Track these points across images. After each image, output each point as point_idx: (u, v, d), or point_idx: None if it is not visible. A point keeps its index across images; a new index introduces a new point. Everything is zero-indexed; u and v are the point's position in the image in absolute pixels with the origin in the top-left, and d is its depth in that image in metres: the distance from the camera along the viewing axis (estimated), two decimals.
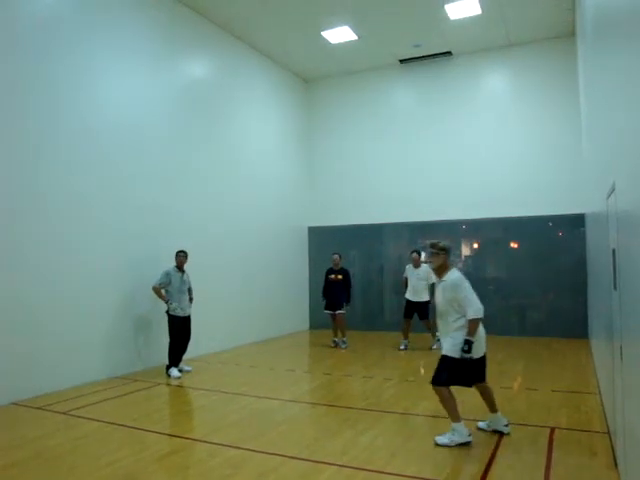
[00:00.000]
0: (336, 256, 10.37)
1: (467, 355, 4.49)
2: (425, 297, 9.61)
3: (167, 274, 7.64)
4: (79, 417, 5.60)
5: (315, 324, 12.85)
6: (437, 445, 4.53)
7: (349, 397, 6.72)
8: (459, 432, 4.55)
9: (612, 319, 4.03)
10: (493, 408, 4.86)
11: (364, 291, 12.55)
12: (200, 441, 4.82)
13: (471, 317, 4.49)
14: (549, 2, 9.50)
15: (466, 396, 5.26)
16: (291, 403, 6.21)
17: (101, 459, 4.39)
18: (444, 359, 4.65)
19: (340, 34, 10.67)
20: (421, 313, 9.68)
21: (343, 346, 10.09)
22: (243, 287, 10.53)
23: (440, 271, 4.83)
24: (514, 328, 11.07)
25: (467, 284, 4.61)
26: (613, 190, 3.60)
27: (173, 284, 7.63)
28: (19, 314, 6.32)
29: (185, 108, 9.31)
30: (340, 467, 4.13)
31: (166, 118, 8.87)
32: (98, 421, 5.44)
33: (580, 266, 10.25)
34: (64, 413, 5.75)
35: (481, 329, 4.64)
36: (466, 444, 4.53)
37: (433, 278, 9.43)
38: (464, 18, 10.01)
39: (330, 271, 10.39)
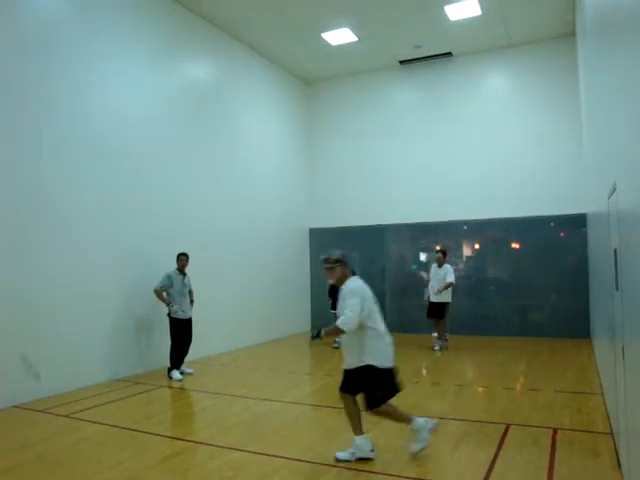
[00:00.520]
0: None
1: (316, 338, 4.36)
2: (444, 298, 9.66)
3: (169, 277, 7.64)
4: (81, 420, 5.59)
5: (317, 326, 12.82)
6: (338, 460, 4.26)
7: None
8: (361, 447, 4.29)
9: (614, 319, 4.02)
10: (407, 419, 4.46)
11: None
12: (202, 443, 4.82)
13: (338, 324, 4.23)
14: (549, 2, 9.50)
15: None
16: (293, 405, 6.20)
17: (103, 462, 4.39)
18: (370, 375, 4.23)
19: (340, 36, 10.67)
20: (438, 313, 9.73)
21: (335, 344, 10.17)
22: (244, 289, 10.53)
23: (340, 282, 4.51)
24: (516, 328, 11.05)
25: (357, 299, 4.23)
26: (614, 190, 3.59)
27: (175, 287, 7.64)
28: (20, 317, 6.31)
29: (185, 110, 9.32)
30: (342, 469, 4.13)
31: (166, 120, 8.87)
32: (100, 424, 5.43)
33: (582, 266, 10.22)
34: (66, 416, 5.75)
35: (390, 341, 4.40)
36: (368, 459, 4.25)
37: (452, 277, 9.52)
38: (464, 19, 10.00)
39: None
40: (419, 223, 12.02)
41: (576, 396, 6.23)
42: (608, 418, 5.12)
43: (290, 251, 12.45)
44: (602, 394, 6.08)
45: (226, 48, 10.49)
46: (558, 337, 10.39)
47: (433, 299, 9.75)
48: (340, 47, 11.19)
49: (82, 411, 5.91)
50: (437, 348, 9.55)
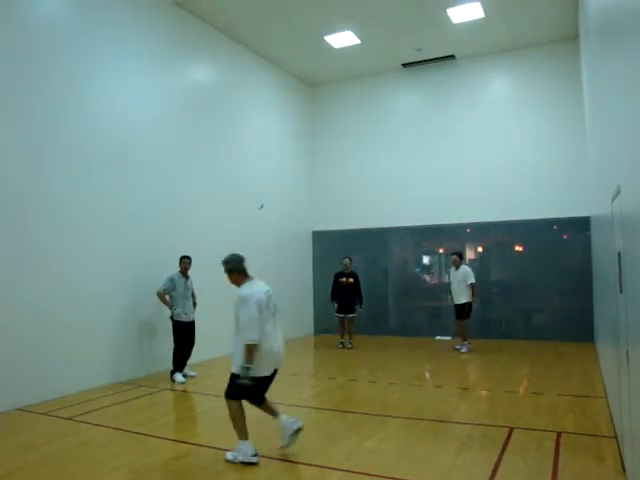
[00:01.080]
0: (347, 260, 10.63)
1: (243, 381, 4.24)
2: (463, 299, 9.74)
3: (171, 279, 7.65)
4: (84, 422, 5.60)
5: (320, 328, 12.83)
6: (227, 461, 4.34)
7: (354, 402, 6.71)
8: (243, 451, 4.32)
9: (618, 322, 4.01)
10: (275, 414, 4.57)
11: (368, 295, 12.48)
12: (205, 446, 4.82)
13: (246, 344, 4.27)
14: (552, 5, 9.50)
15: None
16: (296, 408, 6.19)
17: (106, 464, 4.39)
18: (232, 374, 4.41)
19: (343, 38, 10.69)
20: (458, 314, 9.84)
21: (349, 346, 10.40)
22: None
23: (238, 284, 4.64)
24: (519, 332, 11.02)
25: (249, 306, 4.31)
26: (618, 193, 3.58)
27: (177, 289, 7.65)
28: (23, 320, 6.33)
29: (187, 112, 9.34)
30: (345, 472, 4.11)
31: (168, 122, 8.90)
32: (103, 426, 5.44)
33: (585, 269, 10.19)
34: (69, 418, 5.75)
35: (271, 346, 4.46)
36: (251, 464, 4.27)
37: (472, 278, 9.55)
38: (467, 22, 10.00)
39: (340, 274, 10.61)
40: (422, 226, 12.01)
41: (580, 399, 6.20)
42: (612, 422, 5.10)
43: (293, 254, 12.45)
44: (606, 397, 6.05)
45: (228, 51, 10.52)
46: (561, 340, 10.35)
47: (455, 301, 9.90)
48: (343, 50, 11.20)
49: (85, 414, 5.91)
50: (464, 350, 9.59)
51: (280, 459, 4.42)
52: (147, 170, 8.36)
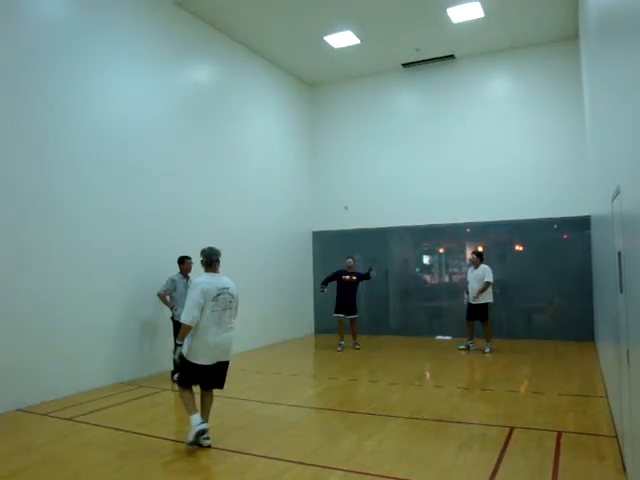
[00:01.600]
0: (350, 260, 10.53)
1: (174, 356, 4.92)
2: (484, 299, 9.61)
3: (172, 280, 7.66)
4: (85, 423, 5.60)
5: (320, 329, 12.83)
6: (189, 444, 4.66)
7: (354, 402, 6.71)
8: (192, 424, 4.67)
9: (618, 322, 4.01)
10: (205, 416, 4.90)
11: (369, 295, 12.53)
12: (205, 447, 4.81)
13: (181, 321, 4.82)
14: (552, 5, 9.50)
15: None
16: (296, 408, 6.20)
17: (107, 465, 4.39)
18: (182, 359, 4.87)
19: (343, 38, 10.69)
20: (481, 315, 9.66)
21: (357, 347, 10.32)
22: (247, 292, 10.41)
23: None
24: (519, 331, 11.03)
25: (198, 291, 4.72)
26: (618, 192, 3.59)
27: (178, 290, 7.65)
28: (23, 320, 6.33)
29: (187, 113, 9.35)
30: (346, 472, 4.12)
31: (168, 122, 8.90)
32: (104, 427, 5.44)
33: (586, 269, 10.19)
34: (70, 419, 5.76)
35: (207, 339, 4.74)
36: (201, 432, 4.64)
37: (490, 277, 9.48)
38: (467, 21, 10.00)
39: (344, 272, 10.47)
40: (422, 225, 12.02)
41: (580, 399, 6.21)
42: (613, 421, 5.10)
43: (293, 254, 12.45)
44: (606, 397, 6.05)
45: (228, 51, 10.52)
46: (562, 340, 10.35)
47: (472, 301, 9.72)
48: (342, 50, 11.20)
49: (86, 414, 5.92)
50: (487, 351, 9.45)
51: (280, 459, 4.42)
52: (147, 170, 8.36)
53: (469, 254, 11.64)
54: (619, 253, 3.70)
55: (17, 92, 6.47)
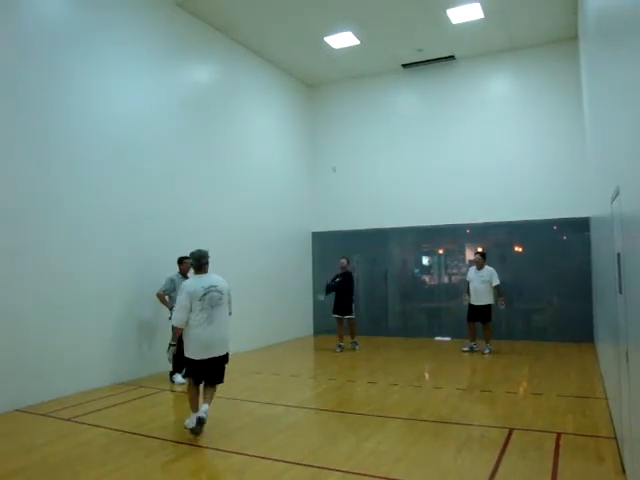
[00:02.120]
0: (343, 260, 10.45)
1: (167, 354, 5.31)
2: (487, 300, 9.54)
3: (171, 280, 7.65)
4: (84, 423, 5.60)
5: (319, 329, 12.83)
6: (185, 428, 5.10)
7: (353, 403, 6.71)
8: (190, 420, 5.08)
9: (618, 323, 4.01)
10: (208, 401, 5.23)
11: (369, 296, 12.53)
12: (205, 447, 4.82)
13: (171, 323, 5.31)
14: (551, 5, 9.50)
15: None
16: (295, 409, 6.20)
17: (106, 465, 4.39)
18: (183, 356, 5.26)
19: (343, 39, 10.70)
20: (484, 317, 9.58)
21: (356, 348, 10.28)
22: (246, 293, 10.50)
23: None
24: (519, 332, 11.03)
25: (184, 294, 5.08)
26: (617, 194, 3.59)
27: (177, 290, 7.63)
28: (23, 320, 6.33)
29: (187, 113, 9.35)
30: (344, 473, 4.11)
31: (168, 122, 8.90)
32: (103, 427, 5.44)
33: (585, 270, 10.19)
34: (69, 419, 5.75)
35: (199, 335, 5.09)
36: (199, 422, 4.97)
37: (497, 280, 9.44)
38: (467, 22, 10.01)
39: (337, 275, 10.44)
40: (422, 226, 12.02)
41: (580, 400, 6.20)
42: (612, 423, 5.10)
43: (293, 254, 12.45)
44: (606, 398, 6.05)
45: (228, 52, 10.52)
46: (561, 341, 10.34)
47: (475, 302, 9.61)
48: (342, 50, 11.21)
49: (85, 414, 5.92)
50: (487, 352, 9.41)
51: (279, 460, 4.42)
52: (147, 170, 8.36)
53: (468, 255, 11.69)
54: (618, 254, 3.70)
55: (17, 92, 6.47)
